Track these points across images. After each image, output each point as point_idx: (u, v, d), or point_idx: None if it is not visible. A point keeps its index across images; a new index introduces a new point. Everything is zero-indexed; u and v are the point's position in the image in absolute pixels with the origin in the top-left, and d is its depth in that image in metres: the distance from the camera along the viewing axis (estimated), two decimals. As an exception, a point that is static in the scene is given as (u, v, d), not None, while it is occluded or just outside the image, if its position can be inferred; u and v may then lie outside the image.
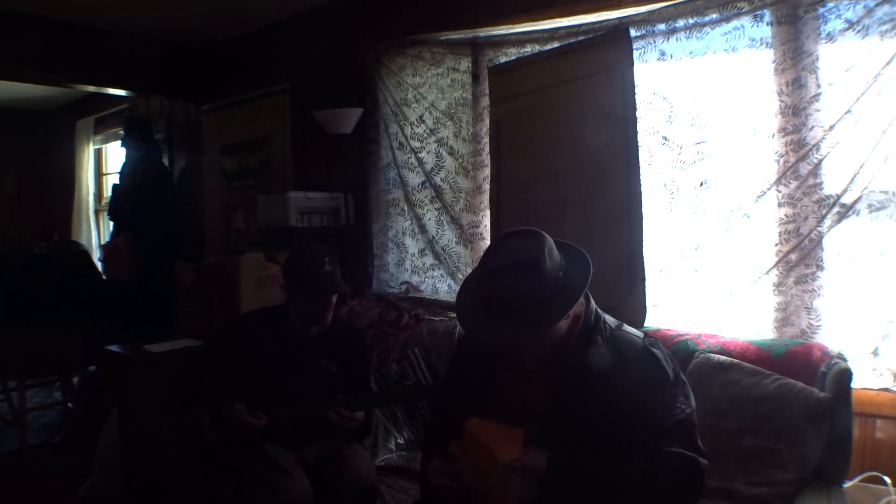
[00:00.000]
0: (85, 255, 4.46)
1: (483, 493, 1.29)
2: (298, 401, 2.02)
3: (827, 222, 2.03)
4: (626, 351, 1.32)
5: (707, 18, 2.24)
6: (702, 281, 2.30)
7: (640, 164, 2.26)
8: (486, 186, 2.87)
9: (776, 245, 2.14)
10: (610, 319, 1.40)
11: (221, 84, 4.47)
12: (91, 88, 4.63)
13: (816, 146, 2.04)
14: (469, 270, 2.84)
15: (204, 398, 2.13)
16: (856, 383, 1.80)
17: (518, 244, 1.29)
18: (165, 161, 4.85)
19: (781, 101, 2.11)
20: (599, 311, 1.39)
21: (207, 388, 2.13)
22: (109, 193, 5.07)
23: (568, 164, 2.46)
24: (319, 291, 2.06)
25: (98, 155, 6.10)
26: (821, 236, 2.05)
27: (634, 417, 1.26)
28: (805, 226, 2.08)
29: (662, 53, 2.36)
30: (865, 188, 1.95)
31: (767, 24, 2.14)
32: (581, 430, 1.28)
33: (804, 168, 2.07)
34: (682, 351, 2.00)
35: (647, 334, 1.39)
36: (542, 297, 1.25)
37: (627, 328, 1.40)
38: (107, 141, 5.94)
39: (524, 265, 1.25)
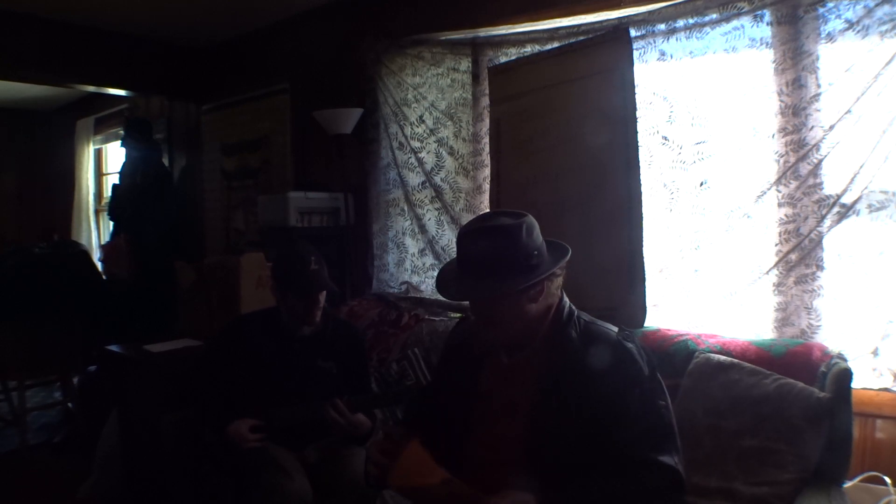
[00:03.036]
0: (85, 255, 4.46)
1: None
2: (296, 402, 2.02)
3: (827, 222, 2.03)
4: (600, 344, 1.35)
5: (707, 18, 2.24)
6: (702, 281, 2.30)
7: (640, 164, 2.26)
8: (486, 186, 2.87)
9: (776, 245, 2.14)
10: (585, 316, 1.42)
11: (221, 84, 4.47)
12: (91, 88, 4.62)
13: (816, 146, 2.04)
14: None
15: (202, 403, 2.13)
16: (856, 383, 1.80)
17: (501, 216, 1.37)
18: (165, 161, 4.85)
19: (781, 101, 2.11)
20: (573, 307, 1.43)
21: (206, 393, 2.13)
22: (109, 193, 5.07)
23: (568, 164, 2.46)
24: (305, 289, 2.07)
25: (98, 155, 6.10)
26: (821, 236, 2.05)
27: (612, 411, 1.28)
28: (805, 226, 2.08)
29: (662, 53, 2.36)
30: (865, 188, 1.95)
31: (767, 24, 2.14)
32: (561, 420, 1.30)
33: (804, 168, 2.07)
34: (682, 351, 2.00)
35: (621, 329, 1.40)
36: (510, 261, 1.31)
37: (601, 323, 1.42)
38: (107, 141, 5.94)
39: (499, 230, 1.33)
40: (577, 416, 1.29)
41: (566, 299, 1.42)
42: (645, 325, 2.23)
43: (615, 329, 1.39)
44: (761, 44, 2.16)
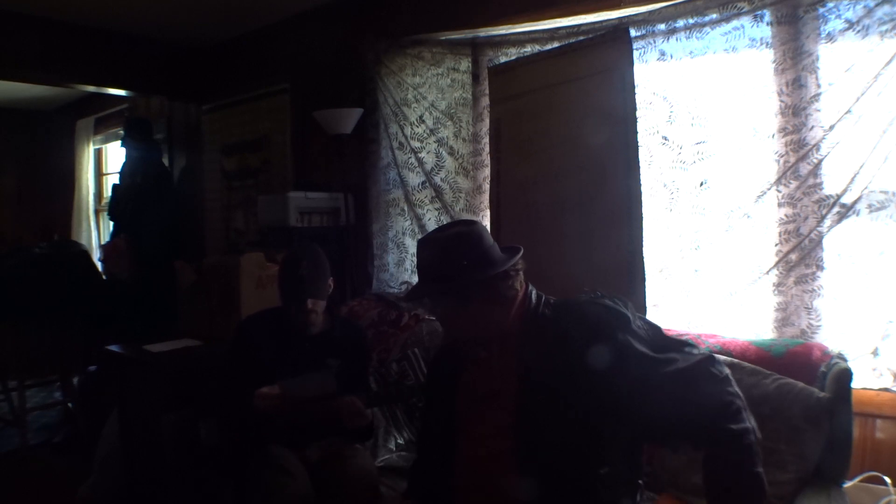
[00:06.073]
0: (85, 255, 4.45)
1: None
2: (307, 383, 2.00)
3: (827, 222, 2.03)
4: (575, 308, 1.39)
5: (707, 18, 2.24)
6: (702, 281, 2.30)
7: (640, 164, 2.25)
8: (486, 186, 2.87)
9: (776, 245, 2.14)
10: (553, 298, 1.48)
11: (221, 84, 4.47)
12: (91, 88, 4.62)
13: (816, 146, 2.04)
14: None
15: (211, 402, 2.13)
16: (856, 383, 1.80)
17: (451, 227, 1.48)
18: (165, 161, 4.85)
19: (781, 101, 2.11)
20: (541, 293, 1.47)
21: (230, 394, 2.12)
22: (109, 193, 5.07)
23: (568, 164, 2.46)
24: (289, 294, 2.09)
25: (98, 155, 6.10)
26: (821, 236, 2.05)
27: (611, 358, 1.28)
28: (805, 226, 2.08)
29: (662, 53, 2.37)
30: (865, 188, 1.95)
31: (767, 24, 2.14)
32: (550, 395, 1.31)
33: (804, 168, 2.07)
34: (682, 351, 2.00)
35: (588, 291, 1.44)
36: (436, 271, 1.42)
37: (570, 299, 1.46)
38: (107, 141, 5.94)
39: (433, 242, 1.45)
40: (570, 384, 1.29)
41: (532, 288, 1.47)
42: (645, 325, 2.23)
43: (583, 295, 1.43)
44: (761, 44, 2.16)
